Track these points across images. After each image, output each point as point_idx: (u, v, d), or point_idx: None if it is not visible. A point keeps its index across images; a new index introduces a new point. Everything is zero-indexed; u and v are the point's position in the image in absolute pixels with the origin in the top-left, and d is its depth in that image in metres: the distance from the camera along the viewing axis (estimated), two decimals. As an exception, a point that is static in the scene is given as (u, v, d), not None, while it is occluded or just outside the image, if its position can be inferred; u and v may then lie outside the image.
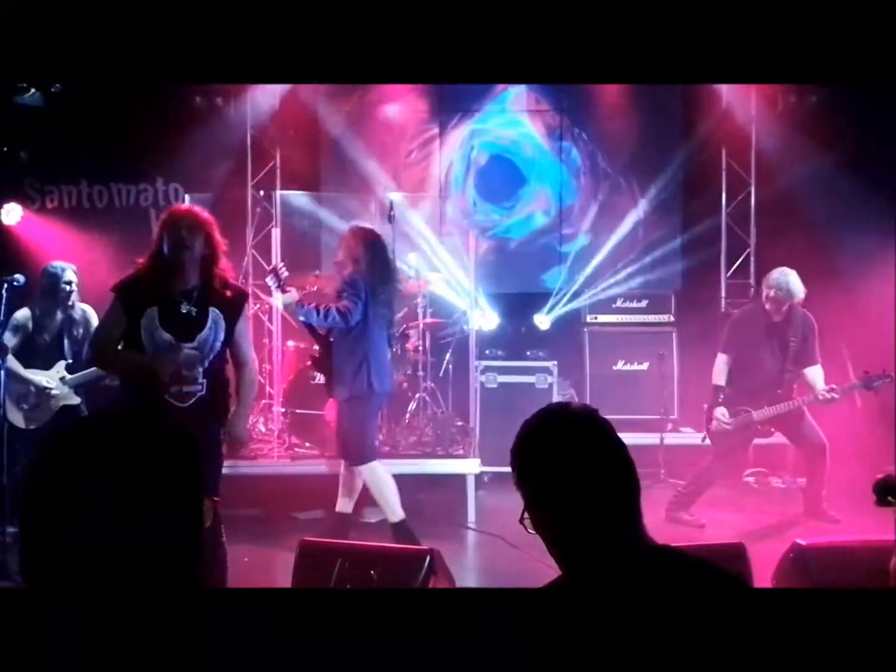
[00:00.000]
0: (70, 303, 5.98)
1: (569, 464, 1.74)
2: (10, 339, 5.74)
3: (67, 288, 5.97)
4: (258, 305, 7.78)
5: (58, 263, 6.06)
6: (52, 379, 5.86)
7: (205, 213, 4.20)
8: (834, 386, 6.04)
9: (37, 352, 5.90)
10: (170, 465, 1.34)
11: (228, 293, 4.18)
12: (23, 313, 5.88)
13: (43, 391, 5.81)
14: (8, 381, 5.69)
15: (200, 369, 4.09)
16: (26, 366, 5.83)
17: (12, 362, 5.70)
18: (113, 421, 1.39)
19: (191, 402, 4.06)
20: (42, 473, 1.32)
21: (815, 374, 6.15)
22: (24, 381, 5.81)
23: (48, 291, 5.94)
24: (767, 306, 6.14)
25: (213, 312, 4.12)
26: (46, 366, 5.88)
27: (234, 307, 4.20)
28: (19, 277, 5.47)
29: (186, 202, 7.90)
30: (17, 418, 5.78)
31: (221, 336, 4.14)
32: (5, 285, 5.38)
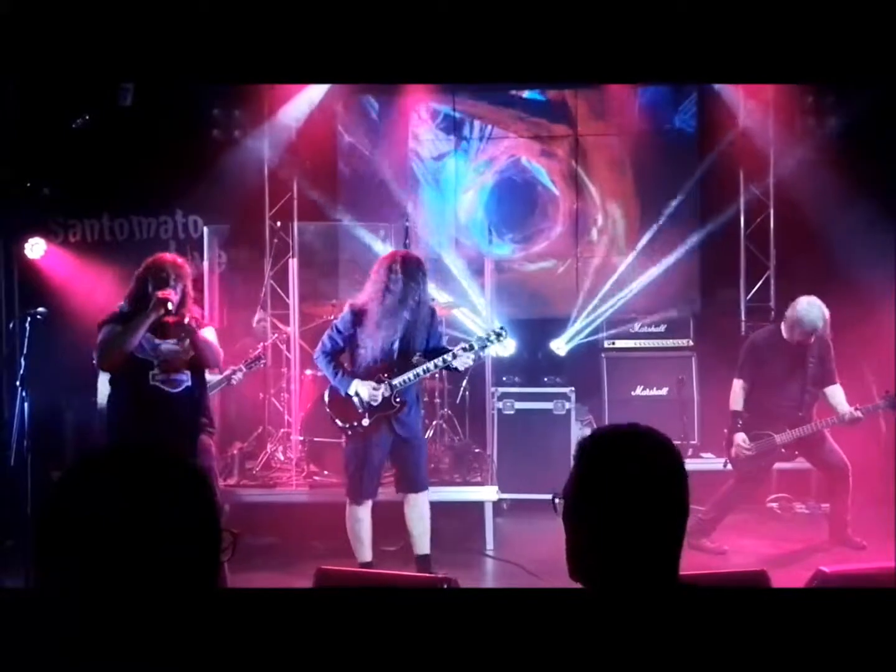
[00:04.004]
0: None
1: (624, 486, 1.72)
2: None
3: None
4: (276, 335, 7.83)
5: None
6: None
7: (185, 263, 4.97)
8: (858, 406, 5.94)
9: None
10: (186, 502, 1.38)
11: (197, 318, 4.92)
12: None
13: None
14: None
15: (184, 359, 4.77)
16: None
17: None
18: (127, 455, 1.42)
19: (179, 389, 4.75)
20: (59, 507, 1.35)
21: (835, 394, 6.05)
22: None
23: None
24: (786, 335, 6.07)
25: (189, 321, 4.79)
26: None
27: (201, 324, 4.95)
28: (42, 311, 5.53)
29: (205, 234, 8.01)
30: None
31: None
32: (28, 319, 5.43)
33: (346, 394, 5.27)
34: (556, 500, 1.80)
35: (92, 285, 7.69)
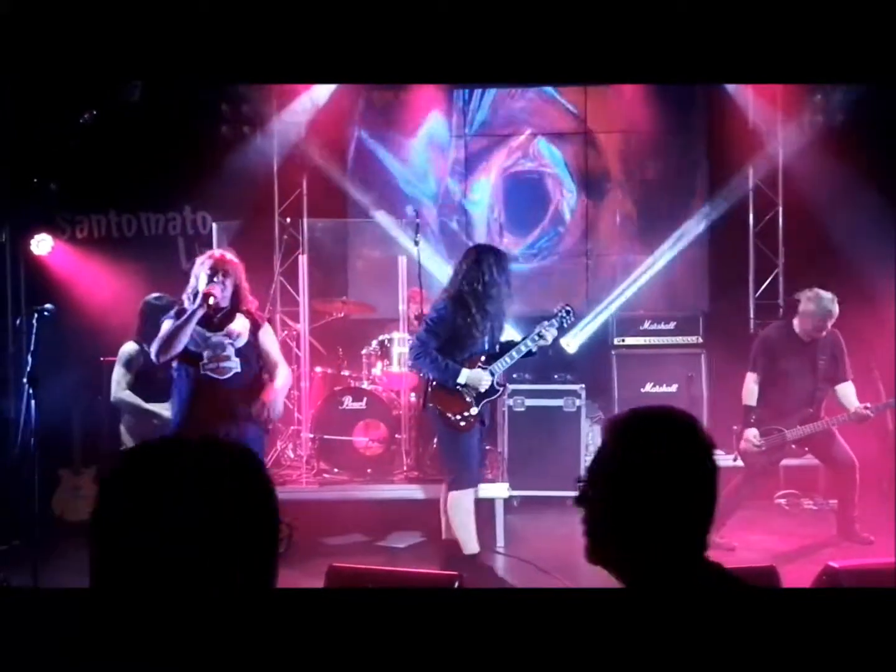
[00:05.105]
0: None
1: (677, 466, 1.74)
2: (123, 375, 5.68)
3: None
4: (286, 332, 7.82)
5: (160, 295, 5.86)
6: None
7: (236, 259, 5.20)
8: (868, 404, 5.96)
9: (152, 385, 5.68)
10: (244, 491, 1.36)
11: (250, 311, 5.18)
12: (132, 347, 5.76)
13: (168, 423, 5.50)
14: (129, 418, 5.71)
15: (232, 349, 5.00)
16: (146, 401, 5.70)
17: (131, 397, 5.65)
18: (183, 444, 1.40)
19: (228, 375, 4.98)
20: (114, 494, 1.34)
21: (846, 392, 6.06)
22: (146, 416, 5.69)
23: (156, 323, 5.49)
24: (798, 330, 6.07)
25: (239, 316, 5.08)
26: (164, 399, 5.60)
27: (255, 318, 5.17)
28: (49, 307, 5.50)
29: (214, 230, 8.00)
30: None
31: (248, 332, 5.07)
32: (35, 315, 5.41)
33: (456, 384, 5.31)
34: (580, 483, 1.80)
35: (99, 282, 7.68)
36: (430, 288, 7.02)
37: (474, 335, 5.35)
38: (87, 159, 7.70)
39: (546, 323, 5.46)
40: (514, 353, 5.43)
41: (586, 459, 7.37)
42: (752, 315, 8.46)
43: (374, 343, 7.37)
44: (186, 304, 5.04)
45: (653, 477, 1.72)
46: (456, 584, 3.62)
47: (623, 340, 8.10)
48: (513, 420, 7.30)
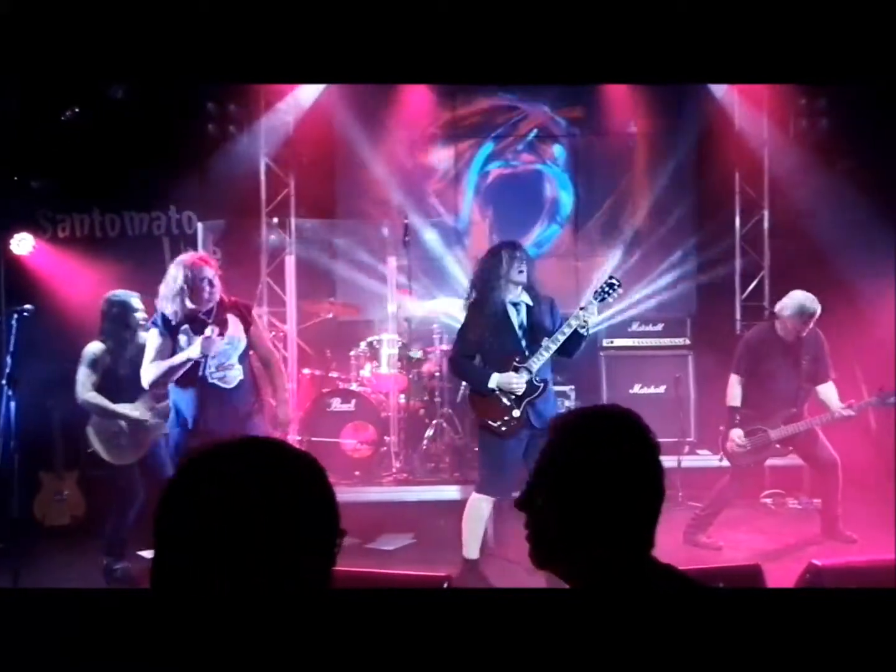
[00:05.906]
0: (139, 332, 5.57)
1: (623, 464, 1.72)
2: (89, 376, 5.52)
3: (138, 316, 5.60)
4: (273, 333, 7.77)
5: (121, 292, 5.69)
6: (145, 410, 5.55)
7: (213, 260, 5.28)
8: (852, 402, 6.00)
9: (119, 385, 5.54)
10: (305, 497, 1.35)
11: (236, 304, 5.14)
12: (97, 347, 5.57)
13: (138, 424, 5.53)
14: (96, 420, 5.60)
15: (235, 357, 4.98)
16: (112, 401, 5.54)
17: (97, 398, 5.51)
18: (245, 448, 1.39)
19: (234, 384, 4.98)
20: (178, 500, 1.33)
21: (828, 391, 6.11)
22: (114, 417, 5.55)
23: (120, 321, 5.56)
24: (781, 332, 6.10)
25: (231, 317, 5.03)
26: (131, 398, 5.53)
27: (244, 313, 5.12)
28: (29, 308, 5.44)
29: (199, 230, 7.95)
30: (114, 456, 5.58)
31: (243, 332, 5.05)
32: (15, 316, 5.36)
33: (489, 388, 5.10)
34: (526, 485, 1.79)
35: (81, 282, 7.59)
36: (417, 290, 7.00)
37: (498, 336, 5.13)
38: (69, 157, 7.62)
39: (586, 300, 5.10)
40: (549, 344, 5.05)
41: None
42: (738, 317, 8.53)
43: (363, 344, 7.34)
44: (165, 305, 4.91)
45: (599, 476, 1.70)
46: (445, 586, 3.60)
47: (612, 342, 8.14)
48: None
